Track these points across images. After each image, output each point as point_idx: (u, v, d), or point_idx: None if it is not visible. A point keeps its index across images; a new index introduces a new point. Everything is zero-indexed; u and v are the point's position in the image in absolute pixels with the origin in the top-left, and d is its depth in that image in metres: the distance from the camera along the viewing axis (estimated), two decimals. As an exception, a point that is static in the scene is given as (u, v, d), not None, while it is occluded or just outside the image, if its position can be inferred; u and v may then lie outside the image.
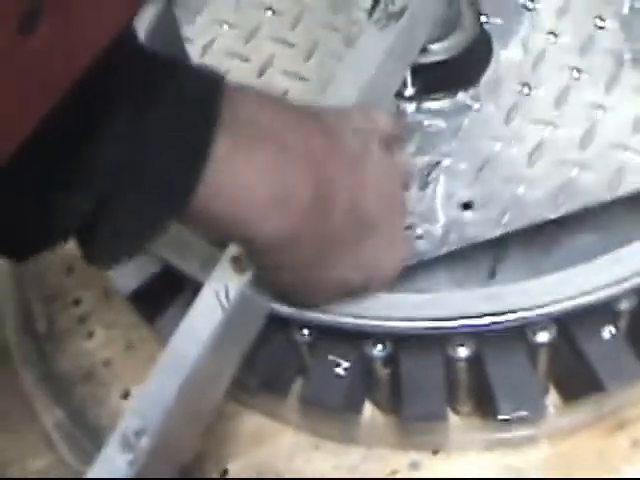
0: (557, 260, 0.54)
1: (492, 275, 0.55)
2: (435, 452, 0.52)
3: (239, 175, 0.40)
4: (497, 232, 0.54)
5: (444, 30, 0.60)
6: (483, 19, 0.62)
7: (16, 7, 0.26)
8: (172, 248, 0.52)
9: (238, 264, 0.47)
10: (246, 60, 0.65)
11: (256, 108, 0.42)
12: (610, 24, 0.62)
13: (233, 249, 0.47)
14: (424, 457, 0.52)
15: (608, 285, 0.46)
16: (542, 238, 0.56)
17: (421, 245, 0.54)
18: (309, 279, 0.46)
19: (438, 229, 0.55)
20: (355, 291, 0.48)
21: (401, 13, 0.53)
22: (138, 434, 0.42)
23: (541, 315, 0.46)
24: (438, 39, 0.60)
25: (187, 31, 0.66)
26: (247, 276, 0.46)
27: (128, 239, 0.40)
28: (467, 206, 0.56)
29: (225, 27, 0.67)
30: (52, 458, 0.57)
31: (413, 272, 0.53)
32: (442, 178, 0.57)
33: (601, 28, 0.62)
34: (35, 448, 0.58)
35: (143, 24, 0.60)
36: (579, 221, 0.55)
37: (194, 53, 0.65)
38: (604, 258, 0.47)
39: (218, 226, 0.42)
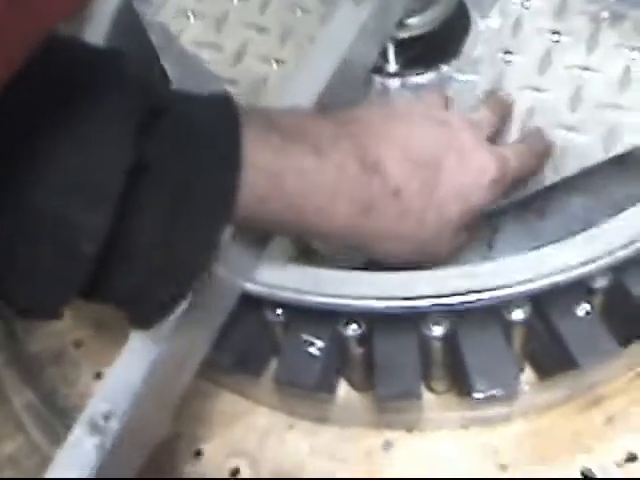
0: (554, 227, 0.54)
1: (490, 246, 0.55)
2: (410, 430, 0.52)
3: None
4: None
5: (421, 3, 0.59)
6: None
7: None
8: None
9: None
10: (219, 49, 0.63)
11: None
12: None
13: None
14: (399, 436, 0.52)
15: (582, 263, 0.46)
16: (537, 205, 0.55)
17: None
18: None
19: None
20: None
21: (375, -14, 0.53)
22: (106, 417, 0.41)
23: (516, 293, 0.46)
24: (415, 13, 0.59)
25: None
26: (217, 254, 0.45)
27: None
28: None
29: (191, 17, 0.65)
30: (22, 440, 0.56)
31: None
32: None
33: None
34: (5, 430, 0.57)
35: (104, 20, 0.59)
36: (574, 186, 0.55)
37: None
38: (578, 236, 0.47)
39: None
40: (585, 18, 0.60)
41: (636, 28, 0.59)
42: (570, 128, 0.56)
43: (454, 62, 0.60)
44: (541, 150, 0.54)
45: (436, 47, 0.60)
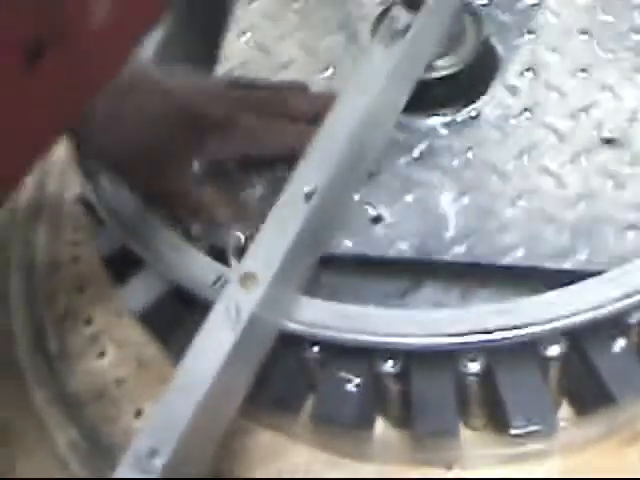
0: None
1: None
2: (448, 468, 0.52)
3: None
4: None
5: (448, 45, 0.60)
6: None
7: (21, 38, 0.26)
8: (180, 267, 0.52)
9: (248, 283, 0.47)
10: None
11: None
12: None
13: (242, 267, 0.47)
14: (437, 473, 0.52)
15: (618, 299, 0.46)
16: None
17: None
18: None
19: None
20: None
21: (406, 31, 0.54)
22: (151, 454, 0.42)
23: (551, 329, 0.46)
24: (442, 55, 0.60)
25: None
26: (257, 295, 0.46)
27: None
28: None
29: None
30: (66, 478, 0.57)
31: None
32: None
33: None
34: (49, 468, 0.58)
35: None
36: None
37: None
38: (614, 271, 0.47)
39: None
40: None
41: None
42: None
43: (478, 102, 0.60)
44: None
45: (460, 88, 0.60)
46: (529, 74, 0.61)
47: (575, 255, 0.52)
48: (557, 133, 0.57)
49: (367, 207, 0.56)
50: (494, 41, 0.62)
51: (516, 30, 0.63)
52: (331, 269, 0.54)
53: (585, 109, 0.58)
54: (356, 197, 0.55)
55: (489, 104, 0.60)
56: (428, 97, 0.58)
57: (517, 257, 0.52)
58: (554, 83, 0.60)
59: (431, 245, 0.54)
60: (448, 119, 0.60)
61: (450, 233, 0.54)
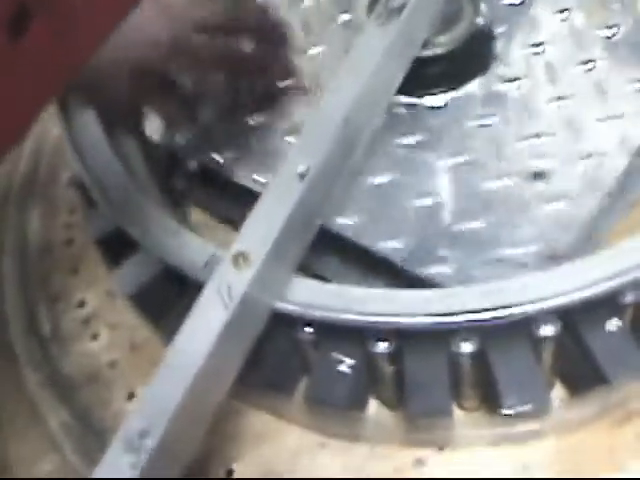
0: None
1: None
2: (441, 448, 0.52)
3: None
4: None
5: (444, 24, 0.59)
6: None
7: (4, 10, 0.26)
8: (173, 248, 0.52)
9: (240, 262, 0.47)
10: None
11: None
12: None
13: (235, 247, 0.47)
14: (430, 453, 0.52)
15: (611, 277, 0.46)
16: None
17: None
18: None
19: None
20: None
21: (401, 9, 0.53)
22: (142, 435, 0.42)
23: (545, 309, 0.46)
24: (438, 32, 0.59)
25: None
26: (249, 274, 0.46)
27: None
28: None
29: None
30: (58, 460, 0.57)
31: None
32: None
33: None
34: (41, 450, 0.58)
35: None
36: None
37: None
38: (607, 251, 0.47)
39: None
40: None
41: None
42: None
43: (492, 70, 0.61)
44: None
45: (469, 60, 0.61)
46: (526, 52, 0.61)
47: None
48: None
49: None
50: (490, 20, 0.62)
51: (513, 9, 0.63)
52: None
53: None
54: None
55: (484, 84, 0.60)
56: (423, 75, 0.58)
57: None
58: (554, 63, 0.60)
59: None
60: (456, 95, 0.60)
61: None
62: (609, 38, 0.60)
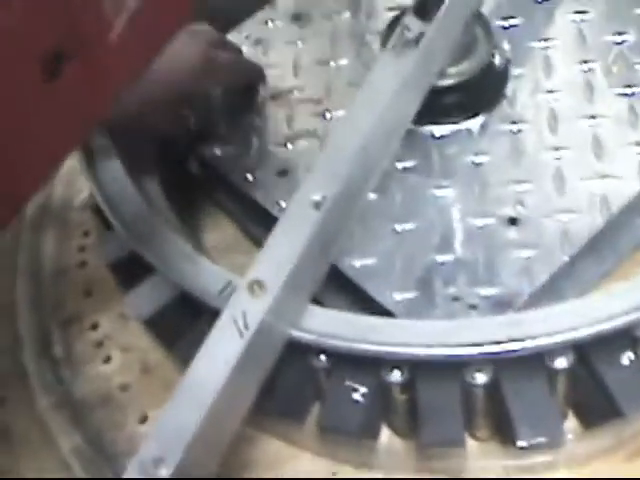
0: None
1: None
2: (453, 478, 0.52)
3: None
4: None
5: (460, 53, 0.60)
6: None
7: (39, 52, 0.26)
8: (188, 274, 0.52)
9: (256, 290, 0.47)
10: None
11: None
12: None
13: (251, 275, 0.47)
14: (442, 483, 0.52)
15: (626, 312, 0.46)
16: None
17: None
18: None
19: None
20: None
21: (418, 40, 0.54)
22: (157, 463, 0.42)
23: (559, 342, 0.46)
24: (453, 62, 0.60)
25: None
26: (265, 302, 0.46)
27: None
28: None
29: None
30: (70, 482, 0.57)
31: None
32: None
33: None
34: (53, 473, 0.57)
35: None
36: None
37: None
38: (621, 285, 0.47)
39: None
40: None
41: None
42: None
43: (498, 109, 0.61)
44: None
45: (477, 94, 0.61)
46: (536, 97, 0.61)
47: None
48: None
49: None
50: (507, 58, 0.62)
51: (527, 40, 0.63)
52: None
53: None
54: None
55: (487, 121, 0.60)
56: (442, 105, 0.58)
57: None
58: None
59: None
60: (458, 128, 0.60)
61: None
62: (625, 96, 0.60)
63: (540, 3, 0.65)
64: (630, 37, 0.62)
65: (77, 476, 0.57)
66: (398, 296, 0.54)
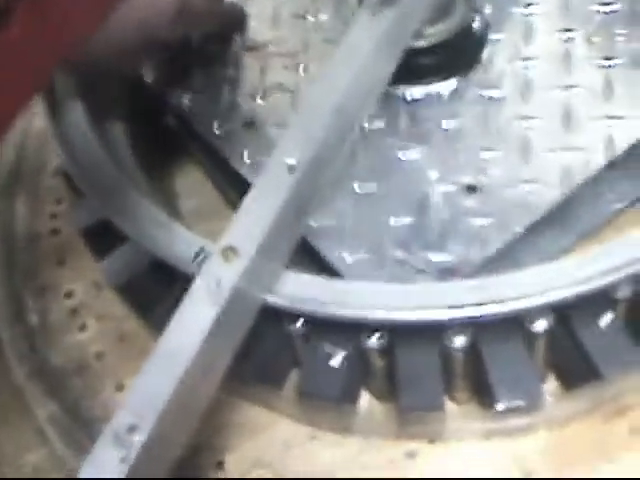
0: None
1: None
2: (432, 441, 0.52)
3: None
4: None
5: (437, 13, 0.59)
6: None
7: None
8: (161, 240, 0.51)
9: (229, 256, 0.46)
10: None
11: None
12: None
13: (224, 241, 0.46)
14: (421, 446, 0.52)
15: (604, 273, 0.45)
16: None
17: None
18: None
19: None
20: None
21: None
22: (130, 430, 0.42)
23: (537, 304, 0.46)
24: (431, 22, 0.59)
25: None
26: (239, 268, 0.46)
27: None
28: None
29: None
30: (46, 452, 0.57)
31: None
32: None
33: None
34: (29, 442, 0.57)
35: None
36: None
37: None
38: (600, 247, 0.47)
39: None
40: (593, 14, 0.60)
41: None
42: (610, 116, 0.56)
43: (472, 74, 0.60)
44: None
45: (452, 57, 0.60)
46: (511, 65, 0.59)
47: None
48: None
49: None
50: (486, 15, 0.61)
51: (510, 5, 0.62)
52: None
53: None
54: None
55: (471, 80, 0.59)
56: (414, 66, 0.57)
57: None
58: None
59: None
60: (429, 91, 0.59)
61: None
62: (603, 68, 0.58)
63: None
64: (617, 7, 0.61)
65: (53, 444, 0.56)
66: (348, 257, 0.53)
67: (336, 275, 0.53)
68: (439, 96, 0.59)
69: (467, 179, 0.55)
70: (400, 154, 0.57)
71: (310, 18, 0.65)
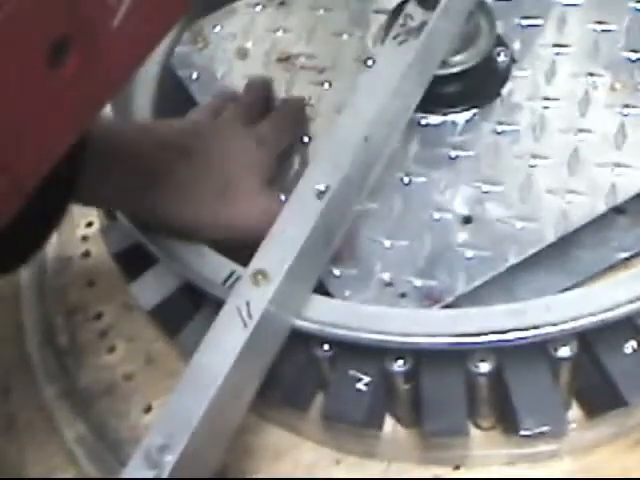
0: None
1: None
2: (456, 467, 0.52)
3: None
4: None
5: (462, 44, 0.60)
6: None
7: (44, 40, 0.26)
8: (192, 264, 0.52)
9: (259, 280, 0.47)
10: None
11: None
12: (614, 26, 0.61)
13: (254, 265, 0.47)
14: (445, 472, 0.52)
15: (629, 300, 0.46)
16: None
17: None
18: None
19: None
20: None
21: (420, 29, 0.54)
22: (162, 450, 0.42)
23: (563, 331, 0.46)
24: (455, 53, 0.59)
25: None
26: (269, 292, 0.46)
27: None
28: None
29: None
30: (74, 472, 0.57)
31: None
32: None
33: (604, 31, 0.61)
34: (58, 462, 0.58)
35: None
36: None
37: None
38: (625, 273, 0.47)
39: None
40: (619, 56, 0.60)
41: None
42: (618, 164, 0.56)
43: (490, 107, 0.60)
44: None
45: (472, 88, 0.60)
46: (530, 102, 0.59)
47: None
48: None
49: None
50: (508, 40, 0.62)
51: (539, 43, 0.62)
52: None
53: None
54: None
55: (487, 113, 0.60)
56: (434, 94, 0.58)
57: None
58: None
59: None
60: (444, 119, 0.60)
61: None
62: (619, 115, 0.58)
63: (565, 6, 0.63)
64: None
65: (81, 465, 0.57)
66: (336, 271, 0.54)
67: (322, 288, 0.53)
68: (454, 125, 0.60)
69: (464, 210, 0.56)
70: (405, 178, 0.58)
71: (345, 37, 0.66)
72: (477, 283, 0.53)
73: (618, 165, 0.55)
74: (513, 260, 0.53)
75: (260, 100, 0.63)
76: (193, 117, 0.61)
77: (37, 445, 0.59)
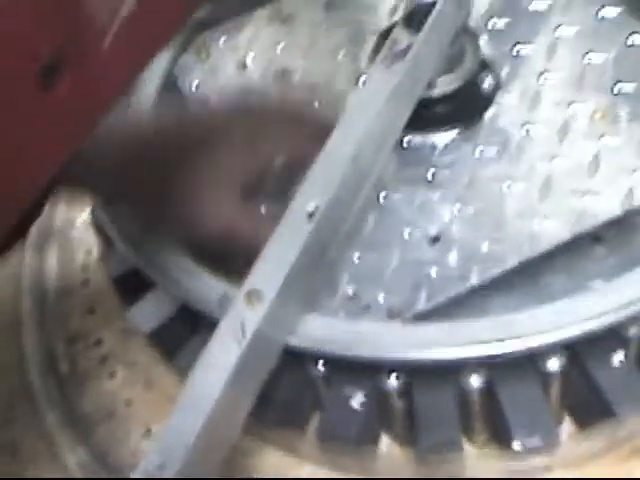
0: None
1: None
2: (454, 478, 0.53)
3: None
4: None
5: (447, 66, 0.61)
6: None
7: (34, 62, 0.27)
8: (188, 286, 0.53)
9: (253, 300, 0.48)
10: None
11: None
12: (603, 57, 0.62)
13: (247, 285, 0.48)
14: (442, 488, 0.53)
15: (615, 310, 0.47)
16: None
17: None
18: None
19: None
20: None
21: (406, 52, 0.55)
22: (160, 469, 0.43)
23: (550, 341, 0.47)
24: (441, 74, 0.60)
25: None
26: (262, 311, 0.47)
27: None
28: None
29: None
30: (76, 498, 0.58)
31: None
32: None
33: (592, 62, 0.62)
34: (59, 488, 0.59)
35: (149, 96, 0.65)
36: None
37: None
38: (612, 284, 0.48)
39: None
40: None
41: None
42: (589, 192, 0.55)
43: (471, 130, 0.61)
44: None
45: (454, 111, 0.61)
46: (511, 127, 0.60)
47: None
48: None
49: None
50: (497, 66, 0.63)
51: (527, 69, 0.62)
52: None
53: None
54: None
55: (467, 136, 0.60)
56: (423, 115, 0.59)
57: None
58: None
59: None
60: (424, 140, 0.61)
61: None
62: (595, 145, 0.57)
63: (556, 36, 0.63)
64: (631, 88, 0.60)
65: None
66: None
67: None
68: (433, 146, 0.61)
69: (433, 229, 0.56)
70: (381, 196, 0.59)
71: (341, 54, 0.66)
72: (438, 301, 0.53)
73: (589, 192, 0.55)
74: (475, 281, 0.53)
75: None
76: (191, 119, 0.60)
77: (40, 471, 0.60)
